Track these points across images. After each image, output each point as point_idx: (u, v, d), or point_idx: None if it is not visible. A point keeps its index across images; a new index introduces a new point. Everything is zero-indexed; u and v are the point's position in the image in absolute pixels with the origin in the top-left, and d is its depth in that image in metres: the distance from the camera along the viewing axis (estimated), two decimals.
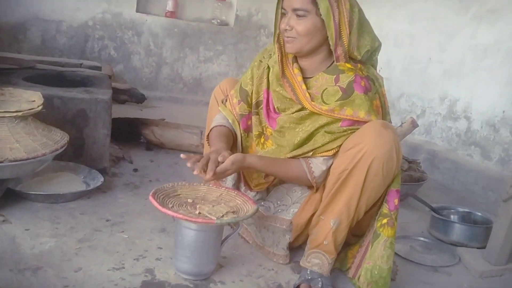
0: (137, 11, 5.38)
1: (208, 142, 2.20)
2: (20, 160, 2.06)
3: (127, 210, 2.40)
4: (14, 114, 2.14)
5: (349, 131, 1.88)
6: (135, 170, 2.98)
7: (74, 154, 2.71)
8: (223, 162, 1.83)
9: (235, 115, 2.17)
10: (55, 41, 5.12)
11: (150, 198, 1.80)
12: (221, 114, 2.23)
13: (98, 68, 3.95)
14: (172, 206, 1.80)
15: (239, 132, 2.18)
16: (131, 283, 1.78)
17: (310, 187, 2.07)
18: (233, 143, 2.16)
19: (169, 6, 5.53)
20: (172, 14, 5.55)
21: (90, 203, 2.41)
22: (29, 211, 2.23)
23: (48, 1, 5.01)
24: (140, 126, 3.47)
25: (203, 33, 5.64)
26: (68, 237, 2.07)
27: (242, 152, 2.17)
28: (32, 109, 2.21)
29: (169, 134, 3.47)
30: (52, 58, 4.21)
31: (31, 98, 2.30)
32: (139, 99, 4.85)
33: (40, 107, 2.24)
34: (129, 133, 3.44)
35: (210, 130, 2.20)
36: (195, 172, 1.81)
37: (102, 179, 2.56)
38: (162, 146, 3.49)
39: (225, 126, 2.17)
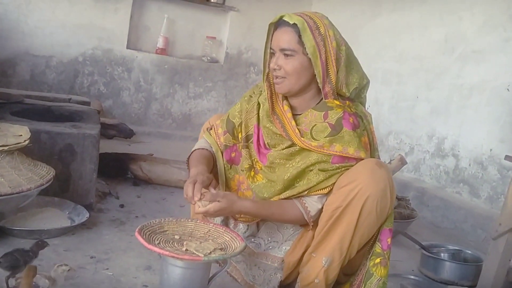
0: (128, 47, 5.42)
1: (188, 165, 2.17)
2: (4, 195, 2.02)
3: (112, 247, 2.34)
4: (0, 148, 2.10)
5: (342, 168, 1.87)
6: (122, 206, 2.93)
7: (60, 189, 2.66)
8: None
9: (219, 144, 2.16)
10: (44, 76, 5.12)
11: (136, 234, 1.76)
12: (204, 139, 2.22)
13: (87, 103, 3.94)
14: (159, 243, 1.76)
15: (221, 161, 2.16)
16: None
17: (302, 224, 2.04)
18: (213, 169, 2.14)
19: (160, 43, 5.59)
20: (163, 51, 5.60)
21: (74, 240, 2.35)
22: (12, 247, 2.16)
23: (39, 37, 5.05)
24: (127, 161, 3.44)
25: (193, 70, 5.70)
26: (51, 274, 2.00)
27: (226, 183, 2.15)
28: (19, 143, 2.18)
29: (157, 170, 3.44)
30: (41, 93, 4.20)
31: (18, 133, 2.27)
32: (128, 134, 4.83)
33: (26, 142, 2.22)
34: (116, 168, 3.41)
35: (192, 152, 2.17)
36: (195, 199, 1.80)
37: (87, 214, 2.51)
38: (150, 181, 3.45)
39: (207, 149, 2.16)
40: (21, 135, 2.25)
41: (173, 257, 1.65)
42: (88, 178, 2.74)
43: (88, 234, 2.44)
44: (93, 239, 2.39)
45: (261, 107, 2.09)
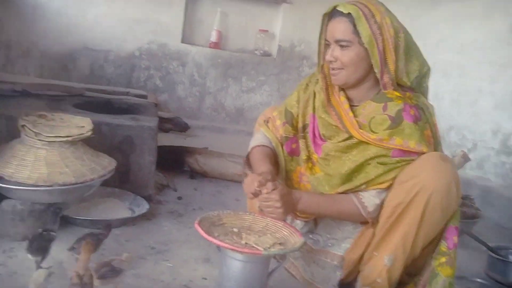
0: (182, 42, 5.49)
1: (248, 162, 2.13)
2: (69, 185, 2.07)
3: (171, 238, 2.36)
4: (65, 139, 2.16)
5: (402, 162, 1.79)
6: (179, 198, 2.96)
7: (120, 180, 2.71)
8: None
9: (279, 137, 2.11)
10: (103, 70, 5.26)
11: (196, 226, 1.75)
12: (262, 133, 2.16)
13: (144, 97, 4.01)
14: (218, 235, 1.75)
15: (282, 155, 2.11)
16: None
17: (362, 222, 1.98)
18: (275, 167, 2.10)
19: (213, 37, 5.62)
20: (216, 45, 5.63)
21: (135, 230, 2.39)
22: (76, 236, 2.22)
23: (97, 31, 5.19)
24: (184, 154, 3.47)
25: (246, 64, 5.69)
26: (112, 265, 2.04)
27: (287, 175, 2.10)
28: (82, 134, 2.23)
29: (213, 163, 3.45)
30: (100, 86, 4.31)
31: (80, 124, 2.32)
32: (183, 128, 4.89)
33: (89, 133, 2.26)
34: (173, 161, 3.44)
35: (252, 149, 2.13)
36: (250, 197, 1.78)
37: (147, 206, 2.54)
38: (206, 174, 3.46)
39: (267, 146, 2.11)
40: (84, 126, 2.30)
41: (232, 250, 1.63)
42: (147, 170, 2.77)
43: (148, 225, 2.47)
44: (153, 230, 2.42)
45: (316, 96, 2.03)
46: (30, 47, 5.06)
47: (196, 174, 3.46)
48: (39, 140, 2.12)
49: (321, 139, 1.99)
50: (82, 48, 5.17)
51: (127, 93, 3.94)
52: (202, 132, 5.24)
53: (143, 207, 2.55)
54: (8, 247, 2.10)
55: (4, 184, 2.03)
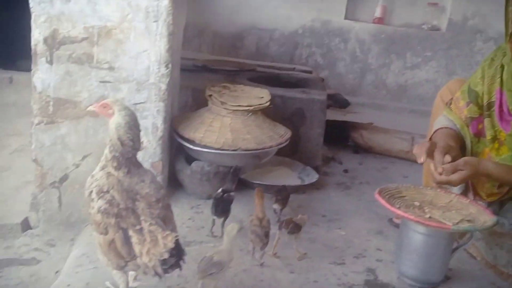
0: (346, 18, 5.43)
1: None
2: (251, 150, 2.21)
3: (341, 209, 2.40)
4: (247, 108, 2.31)
5: None
6: (345, 171, 2.98)
7: (290, 150, 2.81)
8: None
9: (464, 118, 1.99)
10: (268, 48, 5.46)
11: (377, 196, 1.75)
12: (444, 116, 2.06)
13: (309, 72, 4.07)
14: (399, 207, 1.73)
15: (468, 137, 1.99)
16: (354, 279, 1.76)
17: None
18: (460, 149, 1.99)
19: (378, 13, 5.46)
20: (380, 20, 5.46)
21: (306, 198, 2.47)
22: (252, 198, 2.38)
23: (263, 11, 5.38)
24: (349, 129, 3.47)
25: (411, 39, 5.43)
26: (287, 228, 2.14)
27: None
28: (261, 104, 2.36)
29: (378, 138, 3.39)
30: (268, 63, 4.48)
31: (260, 95, 2.45)
32: (343, 104, 4.88)
33: (267, 103, 2.38)
34: (338, 136, 3.46)
35: (434, 132, 2.04)
36: (421, 160, 1.71)
37: (317, 176, 2.61)
38: (370, 150, 3.42)
39: (451, 128, 2.00)
40: (263, 97, 2.42)
41: (418, 222, 1.60)
42: (315, 142, 2.84)
43: (317, 195, 2.54)
44: (322, 200, 2.48)
45: (505, 69, 1.86)
46: (203, 27, 5.45)
47: (360, 149, 3.44)
48: (225, 108, 2.30)
49: (510, 114, 1.84)
50: (250, 27, 5.42)
51: (294, 69, 4.04)
52: (362, 109, 5.15)
53: (313, 176, 2.61)
54: (195, 204, 2.33)
55: (195, 147, 2.24)
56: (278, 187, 2.16)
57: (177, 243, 1.29)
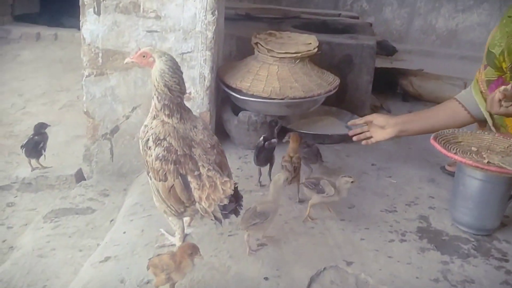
0: None
1: None
2: (299, 98, 2.18)
3: (391, 157, 2.35)
4: (294, 55, 2.25)
5: None
6: None
7: (337, 99, 2.75)
8: None
9: (480, 82, 1.91)
10: None
11: (432, 142, 1.70)
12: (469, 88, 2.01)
13: (356, 18, 3.93)
14: (455, 153, 1.67)
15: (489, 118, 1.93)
16: (406, 226, 1.73)
17: None
18: None
19: None
20: None
21: (354, 147, 2.42)
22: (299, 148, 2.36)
23: None
24: (397, 76, 3.35)
25: None
26: (337, 175, 2.11)
27: (493, 122, 1.91)
28: (309, 51, 2.29)
29: (429, 85, 3.27)
30: (313, 10, 4.35)
31: (307, 41, 2.38)
32: (390, 51, 4.72)
33: (315, 49, 2.32)
34: (386, 83, 3.36)
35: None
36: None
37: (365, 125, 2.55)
38: (420, 97, 3.31)
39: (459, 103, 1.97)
40: (310, 43, 2.35)
41: (477, 167, 1.54)
42: (363, 90, 2.77)
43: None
44: (371, 148, 2.42)
45: None
46: None
47: (409, 97, 3.34)
48: (271, 56, 2.25)
49: None
50: None
51: (339, 15, 3.90)
52: (410, 56, 4.98)
53: (361, 125, 2.55)
54: (242, 154, 2.33)
55: (242, 96, 2.22)
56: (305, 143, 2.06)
57: (236, 189, 1.30)
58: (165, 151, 1.38)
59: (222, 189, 1.30)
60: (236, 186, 1.30)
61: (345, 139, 2.47)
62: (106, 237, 1.73)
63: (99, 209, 2.05)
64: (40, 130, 2.35)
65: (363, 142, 2.04)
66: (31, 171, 2.34)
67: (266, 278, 1.44)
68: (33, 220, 2.01)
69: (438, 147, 1.63)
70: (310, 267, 1.49)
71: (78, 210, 2.03)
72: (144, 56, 1.43)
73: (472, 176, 1.63)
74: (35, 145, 2.31)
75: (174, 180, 1.37)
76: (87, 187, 2.21)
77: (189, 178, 1.36)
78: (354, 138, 2.10)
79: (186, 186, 1.36)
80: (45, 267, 1.65)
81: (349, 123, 2.11)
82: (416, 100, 3.32)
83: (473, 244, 1.65)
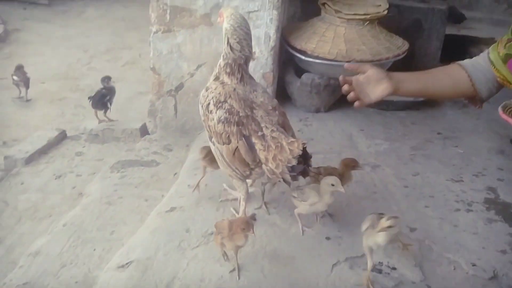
0: None
1: None
2: (366, 61, 2.11)
3: (458, 127, 2.27)
4: (363, 17, 2.19)
5: None
6: None
7: (403, 66, 2.64)
8: None
9: (501, 56, 1.76)
10: None
11: (502, 115, 1.61)
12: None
13: None
14: None
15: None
16: (473, 197, 1.69)
17: None
18: None
19: None
20: None
21: (419, 115, 2.37)
22: (362, 114, 2.32)
23: None
24: (468, 44, 3.19)
25: None
26: (401, 142, 2.08)
27: None
28: (379, 13, 2.22)
29: None
30: None
31: (376, 3, 2.30)
32: (458, 19, 4.48)
33: (385, 12, 2.24)
34: (454, 51, 3.20)
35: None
36: None
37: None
38: None
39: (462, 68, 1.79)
40: (380, 5, 2.27)
41: None
42: (432, 56, 2.67)
43: (432, 112, 2.42)
44: (437, 117, 2.36)
45: None
46: None
47: None
48: (339, 17, 2.20)
49: None
50: None
51: None
52: (479, 25, 4.72)
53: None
54: (304, 117, 2.32)
55: (307, 57, 2.19)
56: None
57: (304, 149, 1.27)
58: (227, 113, 1.37)
59: (289, 149, 1.27)
60: (304, 146, 1.27)
61: (411, 106, 2.41)
62: (171, 189, 1.78)
63: (163, 163, 2.11)
64: (106, 84, 2.42)
65: (356, 104, 1.74)
66: (98, 123, 2.43)
67: (327, 238, 1.45)
68: (101, 169, 2.10)
69: (507, 118, 1.55)
70: None
71: (143, 163, 2.10)
72: (220, 16, 1.45)
73: None
74: (101, 98, 2.39)
75: (238, 142, 1.35)
76: (151, 141, 2.28)
77: (253, 139, 1.34)
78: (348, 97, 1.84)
79: (251, 147, 1.34)
80: (113, 214, 1.73)
81: (346, 66, 1.76)
82: None
83: None
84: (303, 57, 2.21)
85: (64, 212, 1.82)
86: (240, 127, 1.36)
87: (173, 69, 2.22)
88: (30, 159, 2.19)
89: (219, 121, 1.38)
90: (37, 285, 1.39)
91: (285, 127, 1.41)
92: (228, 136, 1.37)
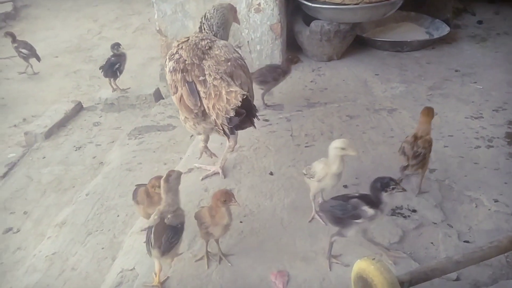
0: None
1: None
2: (375, 2, 2.05)
3: (476, 62, 2.20)
4: None
5: None
6: (480, 22, 2.69)
7: (416, 3, 2.57)
8: None
9: None
10: None
11: None
12: None
13: None
14: None
15: None
16: (493, 132, 1.65)
17: None
18: None
19: None
20: None
21: (435, 53, 2.29)
22: (376, 58, 2.27)
23: None
24: None
25: None
26: (418, 84, 2.03)
27: None
28: None
29: None
30: None
31: None
32: None
33: None
34: None
35: None
36: None
37: (447, 29, 2.38)
38: None
39: None
40: None
41: None
42: None
43: (448, 49, 2.34)
44: (454, 54, 2.29)
45: None
46: None
47: None
48: None
49: None
50: None
51: None
52: None
53: (443, 30, 2.39)
54: (316, 67, 2.28)
55: (314, 3, 2.13)
56: None
57: (245, 100, 1.21)
58: (175, 63, 1.41)
59: (226, 98, 1.23)
60: (244, 96, 1.21)
61: (426, 45, 2.34)
62: (187, 151, 1.79)
63: (179, 126, 2.11)
64: (115, 51, 2.39)
65: None
66: (112, 91, 2.43)
67: (345, 186, 1.45)
68: (119, 137, 2.11)
69: None
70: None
71: (160, 127, 2.11)
72: None
73: None
74: (111, 66, 2.37)
75: (181, 88, 1.37)
76: (166, 105, 2.27)
77: (197, 86, 1.34)
78: None
79: (192, 91, 1.34)
80: (133, 180, 1.75)
81: None
82: (503, 0, 3.03)
83: None
84: (310, 4, 2.15)
85: (86, 182, 1.86)
86: (184, 73, 1.38)
87: (179, 29, 2.19)
88: (50, 133, 2.22)
89: (169, 71, 1.44)
90: (65, 253, 1.43)
91: (233, 76, 1.36)
92: (175, 85, 1.40)
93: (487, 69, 2.12)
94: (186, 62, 1.38)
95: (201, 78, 1.34)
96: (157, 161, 1.86)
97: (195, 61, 1.38)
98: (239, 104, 1.20)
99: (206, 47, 1.42)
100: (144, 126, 2.14)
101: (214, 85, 1.29)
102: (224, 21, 1.49)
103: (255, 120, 1.27)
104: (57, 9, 4.39)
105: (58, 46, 3.57)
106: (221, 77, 1.31)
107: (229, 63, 1.37)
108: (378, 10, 2.12)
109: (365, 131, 1.71)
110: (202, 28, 1.48)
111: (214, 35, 1.47)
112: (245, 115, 1.22)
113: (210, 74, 1.33)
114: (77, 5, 4.45)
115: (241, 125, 1.25)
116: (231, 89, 1.23)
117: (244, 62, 1.43)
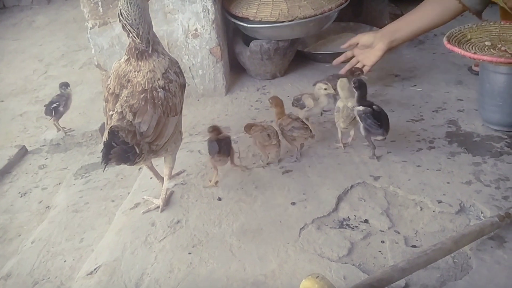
0: None
1: None
2: (309, 17, 2.07)
3: (415, 65, 2.24)
4: None
5: None
6: None
7: (353, 13, 2.62)
8: None
9: None
10: None
11: (447, 44, 1.58)
12: None
13: None
14: (475, 52, 1.55)
15: None
16: (434, 133, 1.67)
17: None
18: None
19: None
20: None
21: None
22: (319, 71, 2.28)
23: None
24: None
25: None
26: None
27: None
28: None
29: None
30: None
31: None
32: None
33: None
34: None
35: None
36: None
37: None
38: None
39: None
40: None
41: (497, 62, 1.43)
42: (380, 0, 2.62)
43: (388, 55, 2.33)
44: (394, 59, 2.32)
45: None
46: None
47: None
48: None
49: None
50: None
51: None
52: None
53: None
54: (260, 85, 2.28)
55: (250, 24, 2.14)
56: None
57: (111, 134, 1.20)
58: (105, 90, 1.42)
59: (106, 132, 1.21)
60: (110, 131, 1.20)
61: None
62: (134, 185, 1.75)
63: None
64: (63, 90, 2.33)
65: (364, 69, 1.91)
66: (57, 131, 2.37)
67: (293, 203, 1.43)
68: (65, 178, 2.06)
69: (457, 49, 1.52)
70: (337, 187, 1.47)
71: None
72: None
73: (496, 71, 1.55)
74: (49, 105, 2.30)
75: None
76: None
77: (108, 120, 1.36)
78: (342, 71, 1.94)
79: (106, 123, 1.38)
80: (80, 221, 1.70)
81: (334, 62, 2.01)
82: None
83: (506, 142, 1.58)
84: (246, 25, 2.15)
85: (33, 228, 1.79)
86: (105, 103, 1.39)
87: None
88: None
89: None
90: None
91: (136, 112, 1.30)
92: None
93: (426, 71, 2.16)
94: (110, 91, 1.38)
95: (110, 112, 1.33)
96: (104, 198, 1.81)
97: (117, 92, 1.36)
98: (105, 139, 1.20)
99: (133, 75, 1.37)
100: (90, 163, 2.09)
101: (110, 116, 1.33)
102: (141, 10, 1.36)
103: (137, 157, 1.25)
104: (1, 52, 4.30)
105: (3, 90, 3.48)
106: (122, 111, 1.30)
107: (142, 95, 1.33)
108: (314, 24, 2.14)
109: (311, 145, 1.71)
110: (129, 32, 1.39)
111: (137, 35, 1.38)
112: (115, 150, 1.20)
113: (118, 106, 1.32)
114: (21, 46, 4.37)
115: (115, 160, 1.23)
116: (109, 124, 1.28)
117: (167, 90, 1.36)
